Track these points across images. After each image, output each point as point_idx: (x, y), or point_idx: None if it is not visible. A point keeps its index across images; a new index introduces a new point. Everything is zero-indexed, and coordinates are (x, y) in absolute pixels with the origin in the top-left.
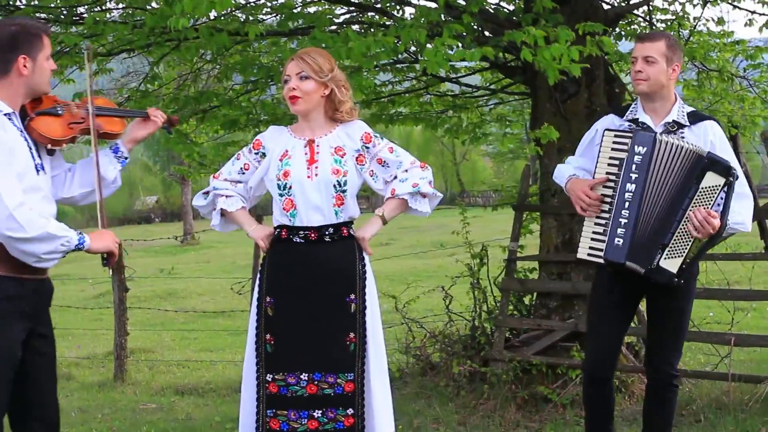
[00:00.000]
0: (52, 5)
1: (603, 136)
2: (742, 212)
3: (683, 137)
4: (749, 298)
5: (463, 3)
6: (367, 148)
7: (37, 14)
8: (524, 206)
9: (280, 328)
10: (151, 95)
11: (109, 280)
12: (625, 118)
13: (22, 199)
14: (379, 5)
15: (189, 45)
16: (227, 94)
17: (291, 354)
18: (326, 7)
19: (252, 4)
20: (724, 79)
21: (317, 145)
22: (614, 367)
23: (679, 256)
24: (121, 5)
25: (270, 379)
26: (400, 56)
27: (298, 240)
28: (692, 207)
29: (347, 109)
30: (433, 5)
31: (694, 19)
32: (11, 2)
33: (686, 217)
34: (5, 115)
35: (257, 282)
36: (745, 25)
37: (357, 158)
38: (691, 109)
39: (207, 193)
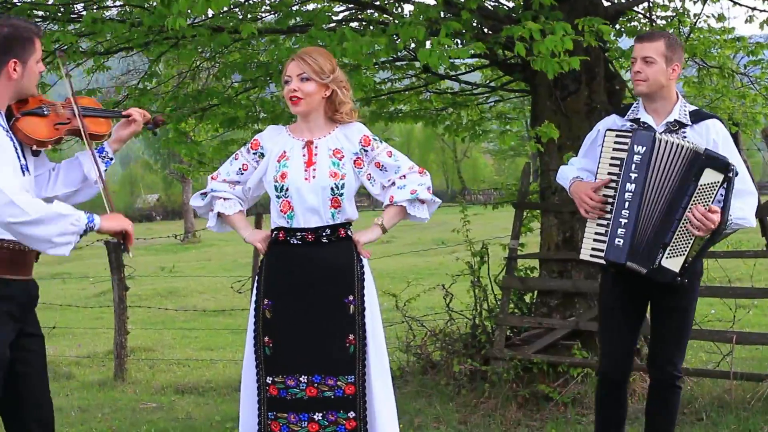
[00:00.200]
0: (50, 2)
1: (605, 136)
2: (744, 208)
3: (685, 136)
4: (751, 295)
5: (462, 0)
6: (366, 151)
7: (34, 12)
8: (525, 204)
9: (279, 330)
10: (149, 93)
11: (110, 278)
12: (626, 117)
13: (20, 186)
14: (378, 2)
15: (187, 43)
16: (226, 92)
17: (290, 356)
18: (325, 4)
19: (250, 2)
20: (724, 76)
21: (316, 147)
22: (629, 369)
23: (680, 255)
24: (118, 3)
25: (270, 382)
26: (399, 54)
27: (296, 242)
28: (692, 205)
29: (347, 110)
30: (432, 2)
31: (695, 15)
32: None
33: (686, 216)
34: None
35: (255, 284)
36: (746, 21)
37: (355, 161)
38: (693, 108)
39: (205, 194)
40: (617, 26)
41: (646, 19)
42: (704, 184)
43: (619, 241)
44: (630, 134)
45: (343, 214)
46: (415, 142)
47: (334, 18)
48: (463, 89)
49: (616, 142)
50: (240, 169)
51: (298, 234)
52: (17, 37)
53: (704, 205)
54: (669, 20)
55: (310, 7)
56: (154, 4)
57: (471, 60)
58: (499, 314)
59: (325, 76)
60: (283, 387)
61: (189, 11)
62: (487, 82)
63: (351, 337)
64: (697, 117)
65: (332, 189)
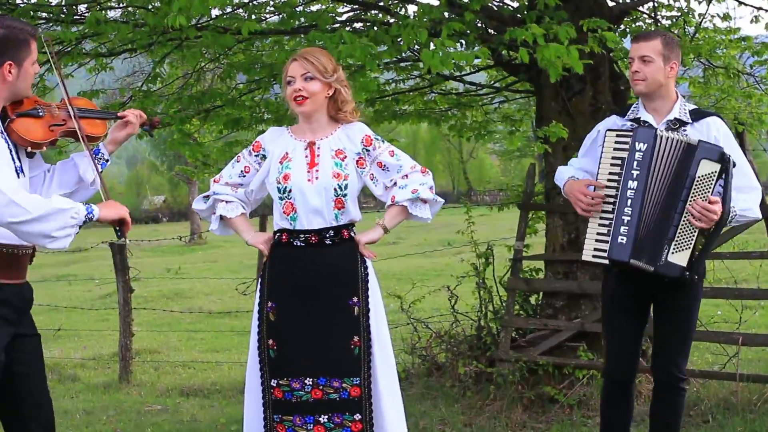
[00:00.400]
0: (53, 3)
1: (605, 136)
2: (748, 200)
3: (686, 134)
4: (757, 296)
5: (466, 0)
6: (368, 151)
7: (38, 13)
8: (529, 205)
9: (283, 332)
10: (154, 95)
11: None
12: (626, 117)
13: (17, 185)
14: (381, 3)
15: (191, 44)
16: (231, 93)
17: (294, 359)
18: (330, 5)
19: (254, 3)
20: (730, 75)
21: (318, 148)
22: (634, 370)
23: (686, 249)
24: (122, 4)
25: (275, 385)
26: (403, 54)
27: (299, 243)
28: (692, 197)
29: (351, 109)
30: (436, 2)
31: (700, 15)
32: (10, 1)
33: (687, 209)
34: None
35: (258, 287)
36: (751, 21)
37: (357, 161)
38: (693, 106)
39: (207, 197)
40: (622, 26)
41: (651, 19)
42: (702, 176)
43: (622, 240)
44: (630, 133)
45: (346, 215)
46: (421, 143)
47: (338, 19)
48: (468, 90)
49: (616, 142)
50: (242, 171)
51: (302, 236)
52: (12, 39)
53: (704, 197)
54: (674, 20)
55: (314, 8)
56: (158, 4)
57: (475, 60)
58: (505, 316)
59: (328, 75)
60: (288, 390)
61: (189, 9)
62: (492, 82)
63: (356, 338)
64: (697, 115)
65: (335, 190)
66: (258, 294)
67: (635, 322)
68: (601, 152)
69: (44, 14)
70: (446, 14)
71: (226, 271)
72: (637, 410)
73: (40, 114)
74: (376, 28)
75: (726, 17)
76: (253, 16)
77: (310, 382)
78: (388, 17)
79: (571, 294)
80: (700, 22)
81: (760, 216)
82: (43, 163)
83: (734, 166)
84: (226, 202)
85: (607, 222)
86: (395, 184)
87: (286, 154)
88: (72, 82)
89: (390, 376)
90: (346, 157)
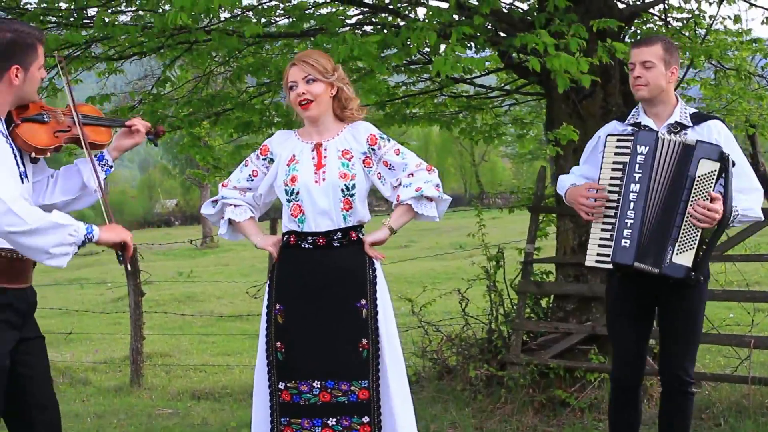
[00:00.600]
0: (63, 6)
1: (606, 141)
2: (750, 200)
3: (687, 137)
4: None
5: (476, 3)
6: (373, 150)
7: (47, 17)
8: (540, 208)
9: (291, 335)
10: (163, 98)
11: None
12: (627, 122)
13: (18, 194)
14: (390, 6)
15: (200, 47)
16: (240, 96)
17: (303, 361)
18: (340, 8)
19: (264, 5)
20: (741, 77)
21: (325, 149)
22: (641, 374)
23: (690, 249)
24: (131, 8)
25: (282, 387)
26: (413, 57)
27: (307, 246)
28: (693, 197)
29: (356, 106)
30: (445, 5)
31: (711, 17)
32: (20, 5)
33: (688, 209)
34: None
35: (267, 289)
36: (762, 23)
37: (364, 161)
38: (693, 110)
39: (216, 201)
40: (632, 28)
41: (662, 21)
42: (702, 175)
43: (625, 243)
44: (631, 138)
45: (354, 215)
46: (433, 146)
47: (348, 22)
48: (478, 92)
49: (617, 147)
50: (250, 175)
51: (310, 238)
52: (20, 43)
53: (705, 197)
54: (685, 22)
55: (324, 11)
56: (167, 7)
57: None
58: (516, 319)
59: (329, 75)
60: (296, 392)
61: (191, 8)
62: (502, 85)
63: (364, 341)
64: (698, 118)
65: (343, 190)
66: (266, 296)
67: (640, 326)
68: (602, 158)
69: (53, 18)
70: (456, 17)
71: (238, 274)
72: (648, 414)
73: (45, 120)
74: (385, 31)
75: (737, 19)
76: (263, 19)
77: (318, 385)
78: (398, 20)
79: (582, 297)
80: (711, 24)
81: (762, 216)
82: (47, 168)
83: (734, 165)
84: (235, 206)
85: (609, 227)
86: (400, 183)
87: (294, 156)
88: (82, 86)
89: (399, 378)
90: (352, 157)
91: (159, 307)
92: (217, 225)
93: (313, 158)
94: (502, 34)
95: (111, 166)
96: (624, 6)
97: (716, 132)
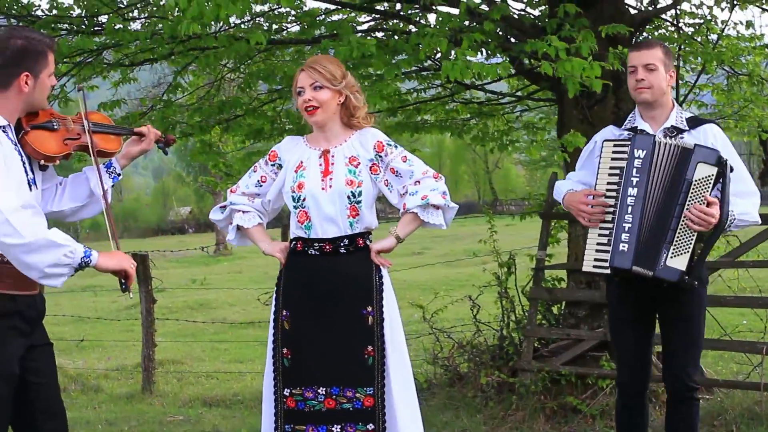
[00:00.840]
0: (74, 14)
1: (602, 146)
2: (747, 204)
3: (683, 141)
4: None
5: (486, 9)
6: (381, 157)
7: (59, 25)
8: (551, 214)
9: (297, 341)
10: (174, 104)
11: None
12: (623, 127)
13: (18, 205)
14: (402, 12)
15: (209, 54)
16: (252, 103)
17: (308, 368)
18: (351, 14)
19: (274, 12)
20: (754, 83)
21: (332, 156)
22: (647, 380)
23: (685, 253)
24: (143, 15)
25: (288, 394)
26: (424, 64)
27: (314, 252)
28: (689, 201)
29: (363, 114)
30: (456, 11)
31: (723, 22)
32: (32, 12)
33: (685, 213)
34: (0, 127)
35: (274, 295)
36: None
37: (371, 168)
38: (689, 114)
39: (224, 207)
40: (644, 34)
41: (674, 27)
42: (699, 179)
43: (623, 247)
44: (628, 143)
45: (361, 222)
46: (446, 153)
47: (359, 28)
48: (490, 98)
49: (614, 152)
50: (258, 181)
51: (316, 244)
52: (30, 50)
53: (701, 201)
54: (697, 27)
55: (335, 18)
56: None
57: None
58: (527, 325)
59: (337, 83)
60: (301, 399)
61: (200, 17)
62: (514, 91)
63: (369, 348)
64: (694, 122)
65: (349, 197)
66: (274, 302)
67: (641, 331)
68: (599, 163)
69: (65, 25)
70: (466, 23)
71: (251, 281)
72: (659, 420)
73: (55, 127)
74: (396, 37)
75: (749, 24)
76: (275, 26)
77: (323, 392)
78: (409, 26)
79: (594, 303)
80: (723, 29)
81: (760, 220)
82: (56, 175)
83: (731, 170)
84: (243, 212)
85: (606, 232)
86: (407, 191)
87: (301, 162)
88: (95, 92)
89: (406, 386)
90: (359, 164)
91: (172, 314)
92: (225, 231)
93: (321, 165)
94: (513, 40)
95: (119, 174)
96: (636, 11)
97: (712, 136)
